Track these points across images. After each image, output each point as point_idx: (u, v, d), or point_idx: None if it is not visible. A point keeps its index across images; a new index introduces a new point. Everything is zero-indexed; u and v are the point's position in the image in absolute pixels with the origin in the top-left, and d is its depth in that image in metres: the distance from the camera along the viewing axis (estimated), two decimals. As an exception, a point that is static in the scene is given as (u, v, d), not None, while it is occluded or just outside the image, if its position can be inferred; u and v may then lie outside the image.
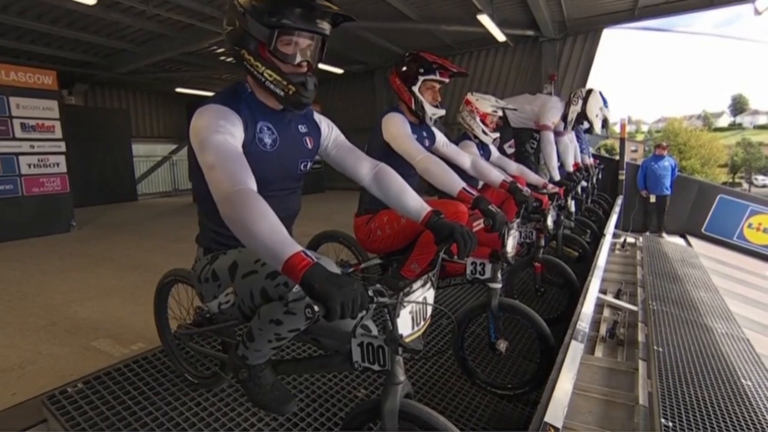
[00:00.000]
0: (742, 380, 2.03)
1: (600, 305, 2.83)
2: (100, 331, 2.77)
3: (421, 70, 2.34)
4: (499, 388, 2.18)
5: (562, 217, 3.36)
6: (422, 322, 1.21)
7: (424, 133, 2.49)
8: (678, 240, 7.02)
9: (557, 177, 3.98)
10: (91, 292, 3.59)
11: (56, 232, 6.34)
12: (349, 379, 2.11)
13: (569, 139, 4.58)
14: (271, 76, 1.28)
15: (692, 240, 7.08)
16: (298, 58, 1.30)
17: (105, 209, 9.16)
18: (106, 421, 1.75)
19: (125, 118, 11.57)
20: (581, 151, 5.09)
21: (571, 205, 3.54)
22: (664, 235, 7.15)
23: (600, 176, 6.20)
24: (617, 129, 7.16)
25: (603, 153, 7.36)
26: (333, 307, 0.94)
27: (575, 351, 1.89)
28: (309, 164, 1.52)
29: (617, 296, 3.11)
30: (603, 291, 3.10)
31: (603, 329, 2.55)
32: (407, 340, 1.14)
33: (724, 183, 32.18)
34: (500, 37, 8.26)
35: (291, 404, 1.52)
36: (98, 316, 3.04)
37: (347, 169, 1.60)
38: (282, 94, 1.30)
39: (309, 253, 1.01)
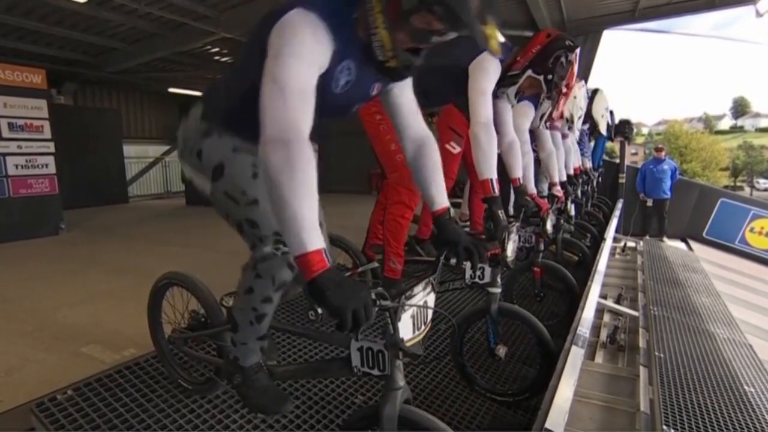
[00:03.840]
0: (745, 387, 2.02)
1: (600, 310, 2.81)
2: (89, 337, 2.70)
3: (545, 75, 2.25)
4: (498, 395, 2.14)
5: (562, 221, 3.35)
6: (423, 327, 1.21)
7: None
8: (679, 244, 7.05)
9: (563, 177, 3.93)
10: (80, 297, 3.51)
11: (44, 235, 6.22)
12: (346, 385, 2.07)
13: (571, 141, 4.54)
14: (382, 37, 1.11)
15: (693, 244, 7.12)
16: (422, 38, 1.13)
17: (95, 211, 9.02)
18: (97, 429, 1.69)
19: (116, 118, 11.45)
20: (582, 155, 5.08)
21: (571, 209, 3.53)
22: (665, 239, 7.17)
23: (600, 180, 6.20)
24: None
25: (603, 156, 7.36)
26: (346, 318, 0.91)
27: (576, 357, 1.87)
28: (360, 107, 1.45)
29: (618, 301, 3.09)
30: (603, 296, 3.08)
31: (603, 335, 2.53)
32: (408, 344, 1.13)
33: (726, 186, 32.29)
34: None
35: (287, 404, 1.49)
36: (87, 321, 2.97)
37: (395, 120, 1.47)
38: (379, 58, 1.14)
39: (326, 251, 0.97)
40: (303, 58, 1.05)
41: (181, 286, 1.79)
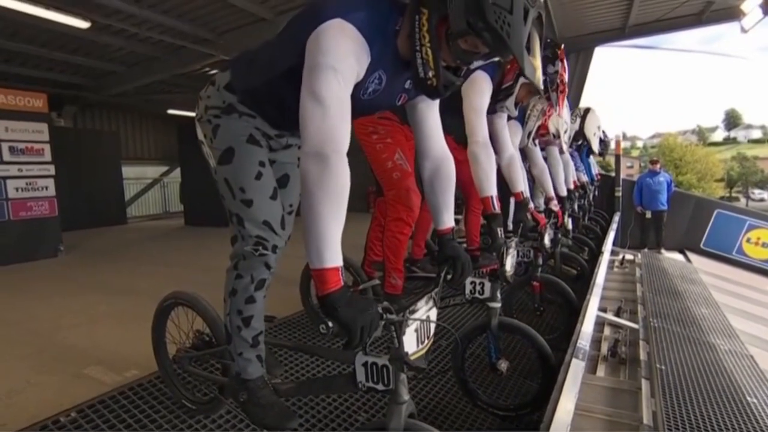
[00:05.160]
0: (748, 398, 2.01)
1: (600, 323, 2.81)
2: (90, 359, 2.69)
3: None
4: (500, 409, 2.15)
5: (560, 236, 3.38)
6: (426, 341, 1.22)
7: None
8: (677, 256, 7.03)
9: (562, 192, 3.96)
10: (80, 319, 3.49)
11: (43, 257, 6.17)
12: (349, 403, 2.07)
13: (568, 155, 4.58)
14: (427, 54, 1.11)
15: (691, 255, 7.11)
16: (465, 58, 1.14)
17: (93, 233, 8.99)
18: (100, 452, 1.68)
19: (115, 140, 11.47)
20: (576, 169, 5.14)
21: (569, 223, 3.57)
22: (663, 251, 7.18)
23: (597, 193, 6.25)
24: (612, 145, 7.24)
25: (599, 170, 7.50)
26: (354, 333, 0.97)
27: (576, 370, 1.88)
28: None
29: (617, 314, 3.08)
30: (603, 309, 3.07)
31: (604, 348, 2.53)
32: (412, 358, 1.15)
33: (722, 197, 32.39)
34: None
35: (293, 420, 1.49)
36: (88, 343, 2.95)
37: (416, 135, 1.46)
38: (420, 75, 1.14)
39: (342, 270, 1.02)
40: (340, 73, 1.06)
41: (187, 306, 1.80)
